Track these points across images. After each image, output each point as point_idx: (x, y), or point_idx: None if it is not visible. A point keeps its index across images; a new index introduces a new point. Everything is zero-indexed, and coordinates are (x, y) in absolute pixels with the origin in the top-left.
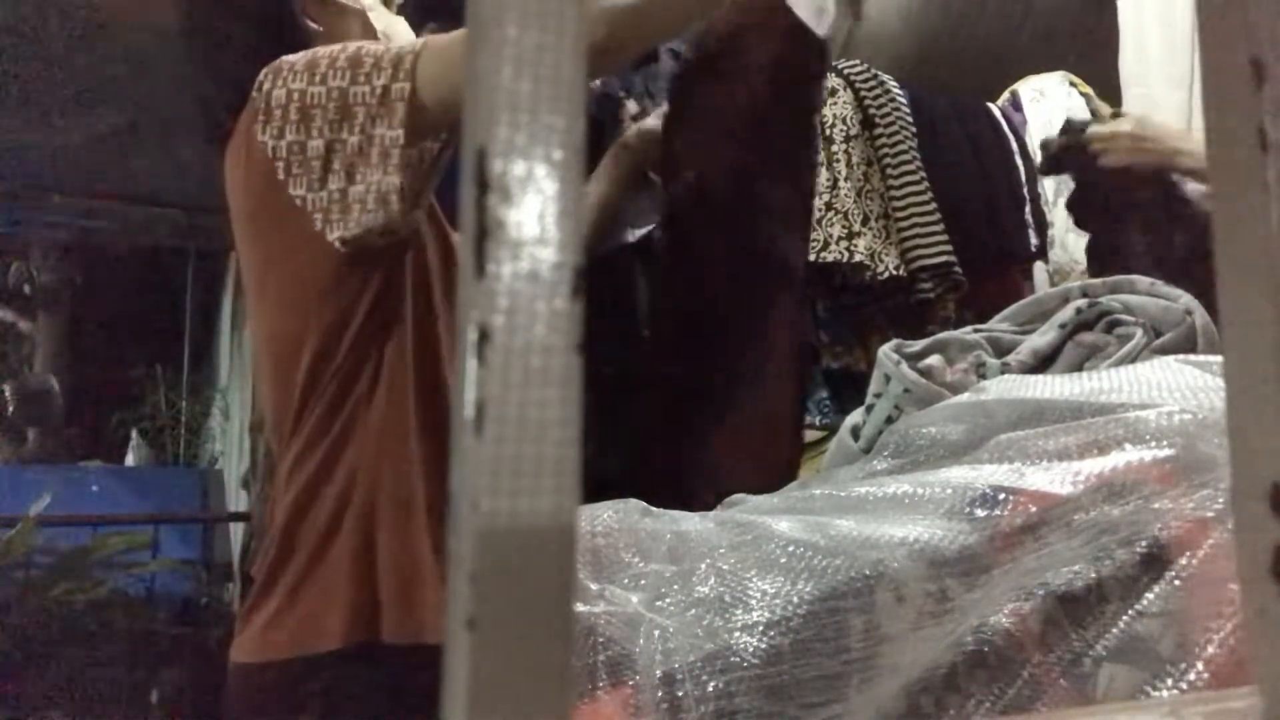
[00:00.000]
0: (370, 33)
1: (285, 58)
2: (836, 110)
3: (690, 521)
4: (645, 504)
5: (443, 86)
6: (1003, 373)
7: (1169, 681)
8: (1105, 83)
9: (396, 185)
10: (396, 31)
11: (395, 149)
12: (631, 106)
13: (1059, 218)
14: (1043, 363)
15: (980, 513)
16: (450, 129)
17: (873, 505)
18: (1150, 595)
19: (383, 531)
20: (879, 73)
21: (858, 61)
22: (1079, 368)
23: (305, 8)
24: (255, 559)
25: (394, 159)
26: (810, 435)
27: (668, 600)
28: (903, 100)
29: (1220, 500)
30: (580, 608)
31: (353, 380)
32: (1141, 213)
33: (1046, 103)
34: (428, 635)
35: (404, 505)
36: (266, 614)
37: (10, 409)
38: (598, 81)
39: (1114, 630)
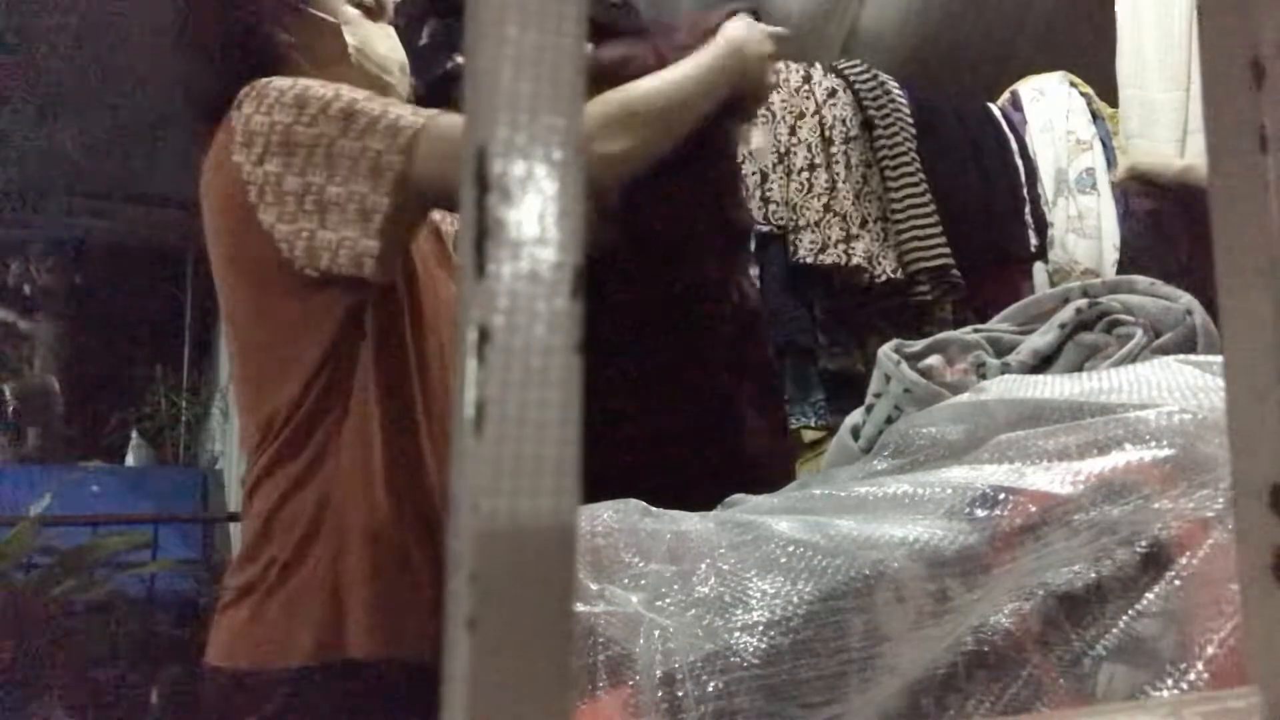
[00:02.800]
0: (341, 49)
1: (270, 82)
2: (836, 112)
3: (690, 521)
4: (645, 504)
5: (442, 173)
6: (1003, 373)
7: (1169, 681)
8: (1105, 82)
9: (375, 250)
10: (373, 44)
11: (378, 214)
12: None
13: (1059, 218)
14: (1043, 363)
15: (980, 513)
16: (439, 205)
17: (873, 505)
18: (1150, 595)
19: (351, 548)
20: (879, 73)
21: (858, 62)
22: (1079, 368)
23: (279, 17)
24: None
25: (375, 223)
26: (810, 435)
27: (668, 600)
28: (903, 101)
29: (1220, 500)
30: (580, 608)
31: (325, 395)
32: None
33: (1046, 102)
34: (394, 651)
35: (373, 521)
36: (237, 620)
37: (10, 409)
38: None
39: (1114, 630)
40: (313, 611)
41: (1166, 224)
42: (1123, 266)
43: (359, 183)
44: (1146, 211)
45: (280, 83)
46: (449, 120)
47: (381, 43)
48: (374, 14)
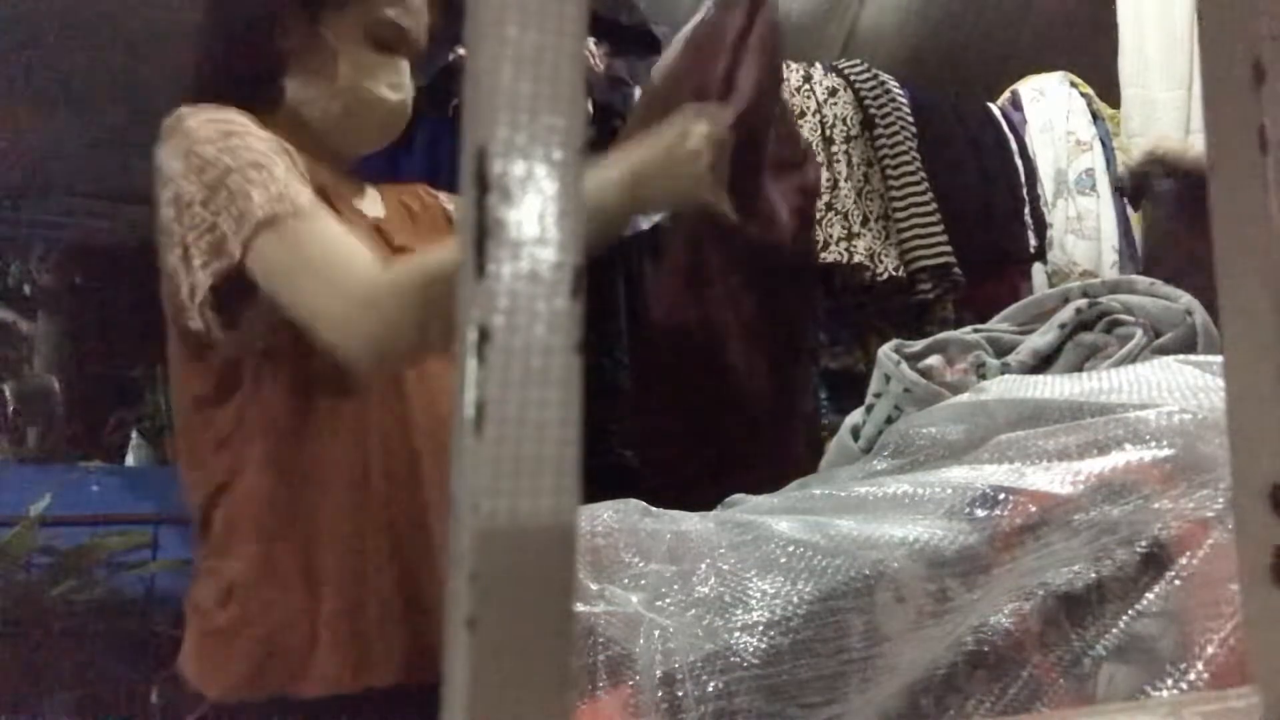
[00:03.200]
0: (333, 74)
1: (183, 119)
2: (837, 110)
3: (690, 521)
4: (645, 504)
5: (269, 275)
6: (1003, 373)
7: (1169, 681)
8: (1105, 82)
9: (199, 324)
10: (368, 81)
11: (202, 290)
12: (639, 94)
13: (1058, 219)
14: (1043, 363)
15: (980, 513)
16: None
17: (873, 505)
18: (1150, 595)
19: (279, 588)
20: (879, 72)
21: (858, 61)
22: (1079, 368)
23: (285, 24)
24: None
25: (199, 298)
26: None
27: (668, 600)
28: (903, 100)
29: (1220, 500)
30: (580, 608)
31: (238, 420)
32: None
33: (1046, 103)
34: (331, 688)
35: (304, 562)
36: (194, 635)
37: (10, 409)
38: (601, 67)
39: (1114, 630)
40: (248, 651)
41: (1186, 207)
42: (1144, 250)
43: (201, 254)
44: (1166, 194)
45: (190, 122)
46: (310, 228)
47: (382, 81)
48: (392, 47)
